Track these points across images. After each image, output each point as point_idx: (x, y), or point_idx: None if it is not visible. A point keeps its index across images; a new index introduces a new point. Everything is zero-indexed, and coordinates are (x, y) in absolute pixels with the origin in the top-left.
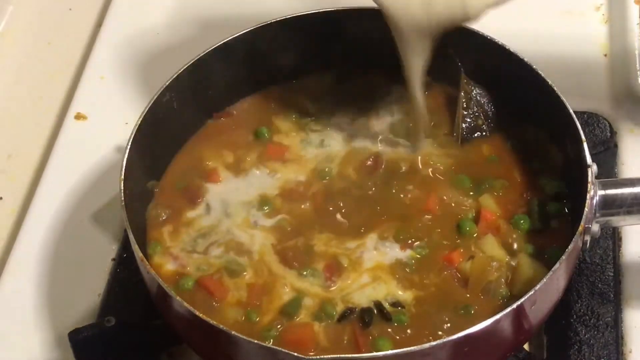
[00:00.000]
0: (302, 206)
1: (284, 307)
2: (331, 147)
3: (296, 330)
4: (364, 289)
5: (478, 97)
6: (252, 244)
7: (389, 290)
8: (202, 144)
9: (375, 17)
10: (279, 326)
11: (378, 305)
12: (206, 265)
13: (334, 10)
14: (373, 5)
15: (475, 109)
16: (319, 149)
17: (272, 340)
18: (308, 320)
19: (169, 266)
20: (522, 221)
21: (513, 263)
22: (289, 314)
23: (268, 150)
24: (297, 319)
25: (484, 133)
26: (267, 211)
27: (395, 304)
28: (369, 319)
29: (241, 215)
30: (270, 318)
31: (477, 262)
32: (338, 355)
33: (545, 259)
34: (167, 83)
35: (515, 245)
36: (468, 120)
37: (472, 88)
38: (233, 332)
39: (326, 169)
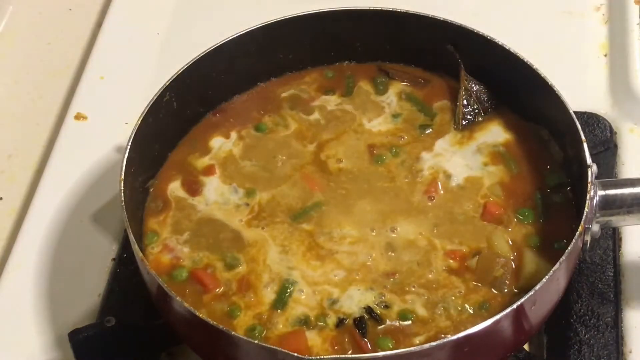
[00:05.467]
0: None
1: (274, 300)
2: (328, 129)
3: (288, 340)
4: (353, 293)
5: (478, 94)
6: (249, 236)
7: (380, 292)
8: (200, 138)
9: (368, 17)
10: (265, 316)
11: (369, 310)
12: (200, 257)
13: (332, 11)
14: (369, 5)
15: (476, 106)
16: (316, 124)
17: (264, 333)
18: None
19: (164, 257)
20: (526, 214)
21: (517, 258)
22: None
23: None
24: (287, 313)
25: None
26: (260, 201)
27: (386, 306)
28: (363, 330)
29: (236, 207)
30: (259, 311)
31: (483, 259)
32: (338, 356)
33: (553, 251)
34: (167, 83)
35: (519, 239)
36: (469, 117)
37: (472, 85)
38: (233, 332)
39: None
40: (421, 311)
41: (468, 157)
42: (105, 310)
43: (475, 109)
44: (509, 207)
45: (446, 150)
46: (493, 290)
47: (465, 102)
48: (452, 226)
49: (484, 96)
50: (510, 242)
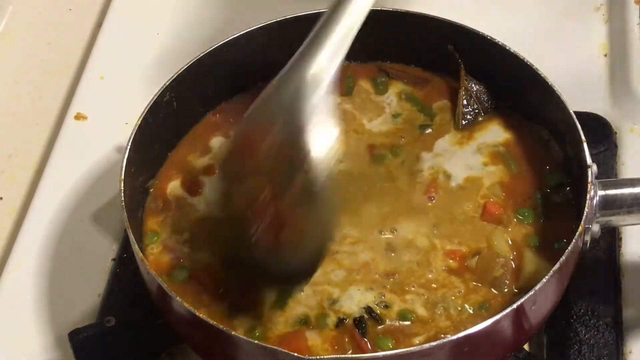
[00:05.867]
0: None
1: (275, 301)
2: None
3: (289, 340)
4: (353, 293)
5: (478, 94)
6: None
7: (379, 291)
8: (200, 138)
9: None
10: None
11: (369, 310)
12: (200, 257)
13: None
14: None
15: (475, 106)
16: None
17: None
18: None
19: (164, 257)
20: (526, 214)
21: (517, 258)
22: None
23: None
24: (287, 313)
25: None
26: None
27: (386, 306)
28: (363, 330)
29: None
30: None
31: (483, 259)
32: (338, 356)
33: (553, 251)
34: (167, 83)
35: (519, 239)
36: (469, 117)
37: (472, 85)
38: (233, 332)
39: None
40: (421, 311)
41: (468, 157)
42: (105, 310)
43: (475, 109)
44: (509, 207)
45: (446, 150)
46: (493, 290)
47: (465, 102)
48: (451, 226)
49: (484, 96)
50: (510, 242)
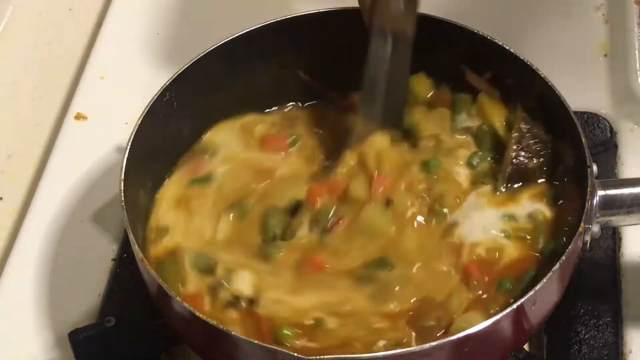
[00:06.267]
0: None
1: None
2: None
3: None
4: None
5: (534, 140)
6: None
7: None
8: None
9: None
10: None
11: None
12: None
13: (335, 10)
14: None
15: (529, 151)
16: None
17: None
18: None
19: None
20: (507, 285)
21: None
22: None
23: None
24: None
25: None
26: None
27: None
28: None
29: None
30: None
31: (425, 304)
32: (338, 356)
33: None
34: (167, 83)
35: (479, 304)
36: (518, 170)
37: (528, 127)
38: (233, 332)
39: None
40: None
41: (493, 222)
42: (105, 310)
43: (529, 155)
44: (493, 274)
45: (471, 203)
46: (417, 335)
47: (515, 147)
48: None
49: (540, 142)
50: (466, 303)
